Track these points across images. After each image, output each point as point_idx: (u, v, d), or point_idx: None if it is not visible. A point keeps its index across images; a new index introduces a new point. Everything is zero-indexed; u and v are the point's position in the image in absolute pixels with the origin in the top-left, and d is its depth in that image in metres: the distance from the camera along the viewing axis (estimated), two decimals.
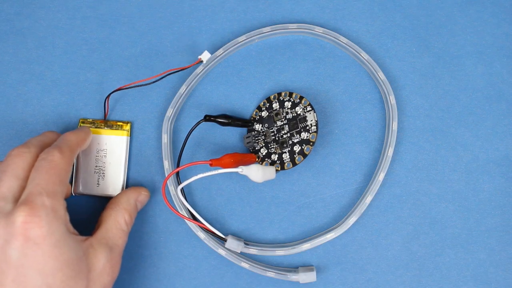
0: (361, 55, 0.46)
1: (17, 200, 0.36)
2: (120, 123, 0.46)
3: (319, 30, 0.46)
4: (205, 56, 0.45)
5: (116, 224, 0.41)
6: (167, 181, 0.45)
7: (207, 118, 0.44)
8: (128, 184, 0.46)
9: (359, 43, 0.47)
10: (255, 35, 0.46)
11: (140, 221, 0.46)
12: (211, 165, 0.41)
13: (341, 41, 0.46)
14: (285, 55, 0.47)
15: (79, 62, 0.47)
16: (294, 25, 0.46)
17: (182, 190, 0.43)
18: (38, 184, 0.36)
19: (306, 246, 0.44)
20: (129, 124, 0.46)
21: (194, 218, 0.43)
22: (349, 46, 0.46)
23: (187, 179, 0.41)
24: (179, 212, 0.43)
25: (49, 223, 0.35)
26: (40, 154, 0.38)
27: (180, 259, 0.45)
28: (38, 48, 0.48)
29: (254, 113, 0.46)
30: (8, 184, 0.37)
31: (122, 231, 0.41)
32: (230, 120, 0.45)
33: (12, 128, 0.47)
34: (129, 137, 0.46)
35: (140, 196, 0.44)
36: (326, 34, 0.46)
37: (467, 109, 0.46)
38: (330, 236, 0.44)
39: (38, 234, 0.34)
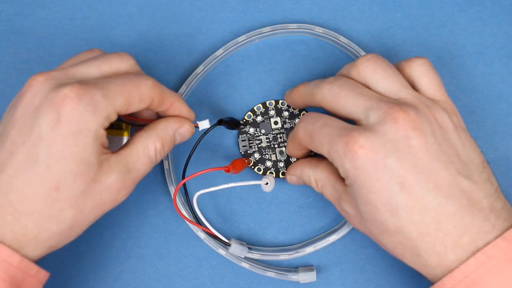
0: (361, 55, 0.45)
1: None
2: (120, 123, 0.45)
3: (319, 30, 0.46)
4: (203, 124, 0.42)
5: (143, 148, 0.38)
6: (168, 182, 0.45)
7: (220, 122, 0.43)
8: None
9: (359, 43, 0.47)
10: (255, 35, 0.46)
11: (140, 221, 0.45)
12: (227, 171, 0.41)
13: (341, 41, 0.46)
14: (285, 55, 0.47)
15: None
16: (294, 25, 0.46)
17: (185, 186, 0.43)
18: (109, 82, 0.35)
19: (309, 249, 0.44)
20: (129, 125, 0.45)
21: (198, 222, 0.43)
22: (349, 47, 0.46)
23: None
24: (187, 218, 0.43)
25: (84, 113, 0.34)
26: (139, 71, 0.38)
27: (180, 259, 0.45)
28: (38, 48, 0.48)
29: (247, 115, 0.46)
30: (85, 69, 0.36)
31: (148, 157, 0.38)
32: (223, 123, 0.43)
33: None
34: (128, 137, 0.46)
35: (182, 129, 0.40)
36: (326, 34, 0.46)
37: (467, 109, 0.46)
38: (332, 238, 0.44)
39: (67, 113, 0.33)
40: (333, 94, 0.37)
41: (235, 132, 0.46)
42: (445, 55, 0.47)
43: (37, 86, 0.34)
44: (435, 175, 0.34)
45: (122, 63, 0.38)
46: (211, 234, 0.43)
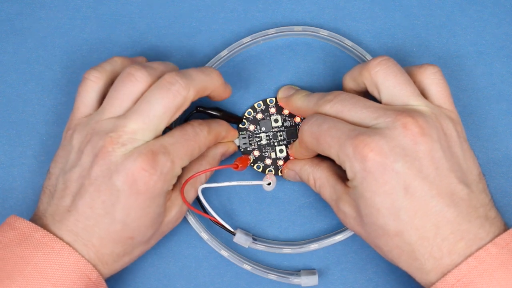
0: (366, 58, 0.45)
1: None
2: None
3: (324, 33, 0.46)
4: (236, 142, 0.45)
5: (196, 178, 0.42)
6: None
7: (199, 109, 0.44)
8: None
9: (359, 43, 0.47)
10: (260, 37, 0.46)
11: None
12: (235, 168, 0.42)
13: (346, 44, 0.46)
14: (285, 55, 0.47)
15: (79, 62, 0.47)
16: (299, 28, 0.46)
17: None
18: (174, 144, 0.38)
19: (313, 246, 0.44)
20: None
21: (204, 211, 0.43)
22: (355, 50, 0.46)
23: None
24: (195, 209, 0.42)
25: (158, 181, 0.37)
26: (194, 122, 0.41)
27: (180, 259, 0.45)
28: (38, 48, 0.48)
29: (247, 112, 0.46)
30: (139, 126, 0.38)
31: (200, 183, 0.43)
32: (222, 113, 0.44)
33: (12, 128, 0.47)
34: None
35: (229, 149, 0.44)
36: (332, 37, 0.46)
37: (467, 109, 0.46)
38: (338, 238, 0.44)
39: (144, 183, 0.37)
40: (336, 111, 0.38)
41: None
42: (445, 55, 0.47)
43: (112, 153, 0.37)
44: (438, 181, 0.35)
45: (176, 98, 0.38)
46: (218, 223, 0.43)
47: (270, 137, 0.45)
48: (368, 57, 0.45)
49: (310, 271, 0.44)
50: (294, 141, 0.45)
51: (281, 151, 0.45)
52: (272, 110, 0.46)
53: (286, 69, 0.47)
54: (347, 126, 0.37)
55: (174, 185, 0.40)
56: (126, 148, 0.37)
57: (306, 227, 0.45)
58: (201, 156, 0.42)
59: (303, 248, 0.44)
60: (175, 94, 0.38)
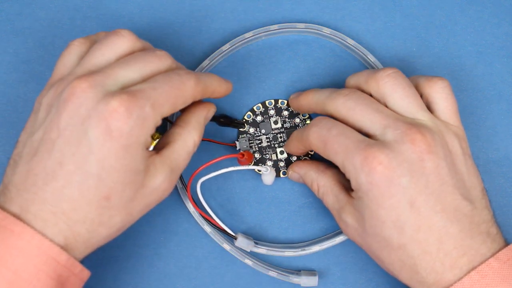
0: (367, 57, 0.45)
1: (125, 87, 0.35)
2: None
3: (326, 31, 0.46)
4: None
5: (184, 145, 0.38)
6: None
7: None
8: None
9: (359, 43, 0.47)
10: (262, 32, 0.46)
11: (140, 221, 0.45)
12: (241, 158, 0.43)
13: (348, 43, 0.46)
14: (285, 55, 0.47)
15: None
16: (302, 25, 0.46)
17: (182, 178, 0.43)
18: (155, 89, 0.35)
19: (315, 248, 0.44)
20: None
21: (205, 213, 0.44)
22: (357, 49, 0.46)
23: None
24: (199, 209, 0.43)
25: (134, 126, 0.33)
26: (181, 70, 0.37)
27: (180, 259, 0.45)
28: (38, 48, 0.48)
29: (246, 115, 0.46)
30: (127, 73, 0.35)
31: (188, 153, 0.39)
32: (226, 119, 0.45)
33: (12, 128, 0.47)
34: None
35: (209, 113, 0.41)
36: (334, 36, 0.46)
37: (467, 109, 0.46)
38: (339, 239, 0.44)
39: (118, 128, 0.33)
40: (348, 107, 0.38)
41: (235, 132, 0.46)
42: (445, 55, 0.47)
43: (82, 94, 0.34)
44: (443, 197, 0.35)
45: (162, 64, 0.37)
46: (218, 227, 0.43)
47: (270, 139, 0.45)
48: (370, 56, 0.45)
49: (311, 272, 0.44)
50: None
51: (281, 152, 0.45)
52: (272, 112, 0.46)
53: (286, 69, 0.47)
54: (356, 136, 0.37)
55: (159, 150, 0.38)
56: (99, 90, 0.34)
57: (306, 227, 0.45)
58: (184, 123, 0.39)
59: (305, 251, 0.44)
60: (160, 59, 0.37)
